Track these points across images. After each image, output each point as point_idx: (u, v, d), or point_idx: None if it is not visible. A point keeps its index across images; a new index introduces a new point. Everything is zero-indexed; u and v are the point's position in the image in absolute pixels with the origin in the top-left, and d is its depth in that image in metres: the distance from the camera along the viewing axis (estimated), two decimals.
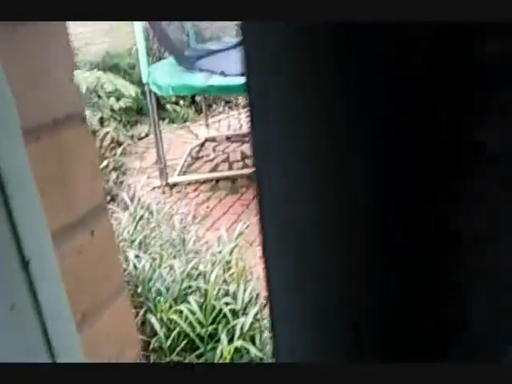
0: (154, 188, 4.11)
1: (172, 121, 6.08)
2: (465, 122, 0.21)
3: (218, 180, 4.20)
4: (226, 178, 4.21)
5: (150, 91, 3.64)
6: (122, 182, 4.15)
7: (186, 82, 3.28)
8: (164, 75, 3.55)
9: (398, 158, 0.22)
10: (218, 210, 3.68)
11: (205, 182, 4.21)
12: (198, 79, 3.26)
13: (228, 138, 5.37)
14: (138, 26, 3.52)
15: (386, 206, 0.23)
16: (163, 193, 4.02)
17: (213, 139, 5.35)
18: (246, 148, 4.96)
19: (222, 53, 4.64)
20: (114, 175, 4.15)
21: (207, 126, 5.53)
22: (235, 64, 3.50)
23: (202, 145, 5.22)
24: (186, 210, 3.67)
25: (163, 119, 6.06)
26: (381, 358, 0.26)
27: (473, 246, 0.23)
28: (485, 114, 0.20)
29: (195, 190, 4.07)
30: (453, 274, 0.23)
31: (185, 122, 6.11)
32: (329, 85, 0.23)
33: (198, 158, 4.84)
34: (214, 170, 4.49)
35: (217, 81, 3.16)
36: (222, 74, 3.39)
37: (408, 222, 0.23)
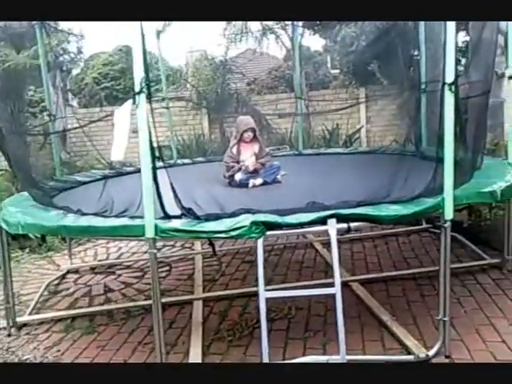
0: None
1: (33, 250, 5.77)
2: None
3: (74, 318, 3.96)
4: (84, 316, 3.99)
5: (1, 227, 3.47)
6: None
7: (37, 221, 3.17)
8: (16, 212, 3.42)
9: None
10: (69, 353, 3.42)
11: (60, 320, 3.95)
12: (50, 218, 3.18)
13: (92, 269, 5.18)
14: None
15: None
16: (8, 335, 3.69)
17: (75, 271, 5.13)
18: (111, 281, 4.81)
19: (83, 187, 4.65)
20: None
21: (70, 256, 5.31)
22: (96, 201, 3.49)
23: (63, 277, 4.97)
24: (32, 355, 3.38)
25: (22, 248, 5.75)
26: None
27: None
28: None
29: (47, 330, 3.79)
30: None
31: (48, 250, 5.84)
32: None
33: (56, 293, 4.57)
34: (72, 306, 4.25)
35: (71, 221, 3.10)
36: (79, 212, 3.33)
37: None
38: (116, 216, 3.08)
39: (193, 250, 5.52)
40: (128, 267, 5.15)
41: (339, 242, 5.36)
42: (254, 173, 4.52)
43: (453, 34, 2.67)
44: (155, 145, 2.69)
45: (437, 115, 4.53)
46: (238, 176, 4.47)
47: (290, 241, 5.56)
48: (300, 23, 6.90)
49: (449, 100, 2.70)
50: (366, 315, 3.61)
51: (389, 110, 7.84)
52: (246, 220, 2.62)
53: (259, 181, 4.46)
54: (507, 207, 4.12)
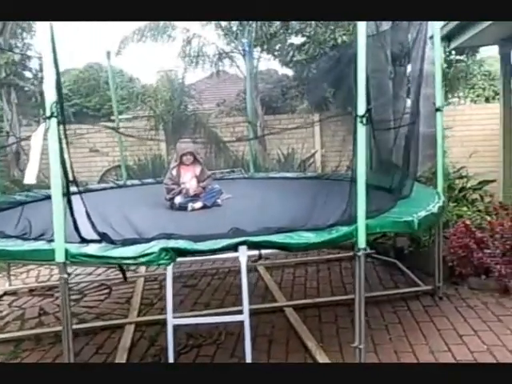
0: None
1: None
2: None
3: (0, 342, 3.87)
4: (11, 340, 3.90)
5: None
6: None
7: None
8: None
9: None
10: None
11: None
12: None
13: (31, 291, 5.08)
14: None
15: None
16: None
17: (13, 292, 5.03)
18: (47, 303, 4.72)
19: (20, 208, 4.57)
20: None
21: (9, 277, 5.20)
22: (20, 223, 3.43)
23: None
24: None
25: None
26: None
27: None
28: None
29: None
30: None
31: None
32: None
33: None
34: (0, 330, 4.15)
35: None
36: (1, 234, 3.27)
37: None
38: (35, 239, 3.04)
39: (137, 272, 5.46)
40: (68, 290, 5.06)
41: (284, 266, 5.46)
42: (195, 196, 4.54)
43: (363, 66, 2.75)
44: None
45: (381, 142, 4.63)
46: (178, 199, 4.48)
47: (234, 264, 5.54)
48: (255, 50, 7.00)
49: (360, 132, 2.76)
50: (294, 341, 3.61)
51: (341, 136, 7.97)
52: (155, 246, 2.62)
53: (198, 204, 4.47)
54: (436, 236, 4.20)
